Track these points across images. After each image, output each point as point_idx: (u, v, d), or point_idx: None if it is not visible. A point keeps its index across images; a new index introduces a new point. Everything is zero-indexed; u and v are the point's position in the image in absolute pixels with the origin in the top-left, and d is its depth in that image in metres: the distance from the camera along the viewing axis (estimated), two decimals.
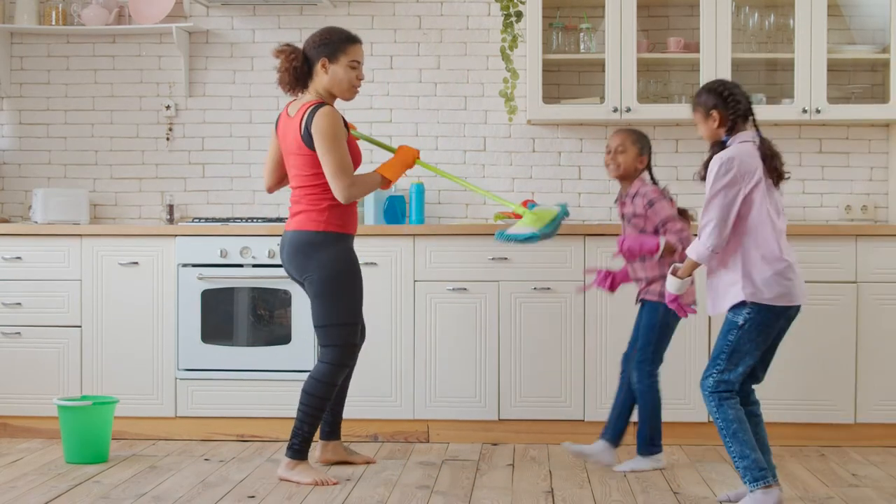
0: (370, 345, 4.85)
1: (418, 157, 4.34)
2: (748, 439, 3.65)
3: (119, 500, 3.89)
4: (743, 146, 3.70)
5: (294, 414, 4.27)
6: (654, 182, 4.46)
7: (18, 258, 5.11)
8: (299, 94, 4.27)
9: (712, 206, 3.64)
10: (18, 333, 5.11)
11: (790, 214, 5.49)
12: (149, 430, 5.09)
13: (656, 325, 4.35)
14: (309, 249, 4.15)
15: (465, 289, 4.99)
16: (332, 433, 4.51)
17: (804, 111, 5.19)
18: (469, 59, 5.61)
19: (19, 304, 5.10)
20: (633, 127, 4.67)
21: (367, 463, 4.54)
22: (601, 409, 4.93)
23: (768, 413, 4.87)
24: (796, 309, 3.74)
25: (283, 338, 5.00)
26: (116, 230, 5.10)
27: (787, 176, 3.79)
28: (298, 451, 4.18)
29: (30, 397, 5.09)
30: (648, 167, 4.46)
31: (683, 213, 4.40)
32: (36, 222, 5.36)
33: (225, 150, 5.70)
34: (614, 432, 4.45)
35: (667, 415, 4.95)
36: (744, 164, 3.65)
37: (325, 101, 4.20)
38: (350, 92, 4.23)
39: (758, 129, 3.78)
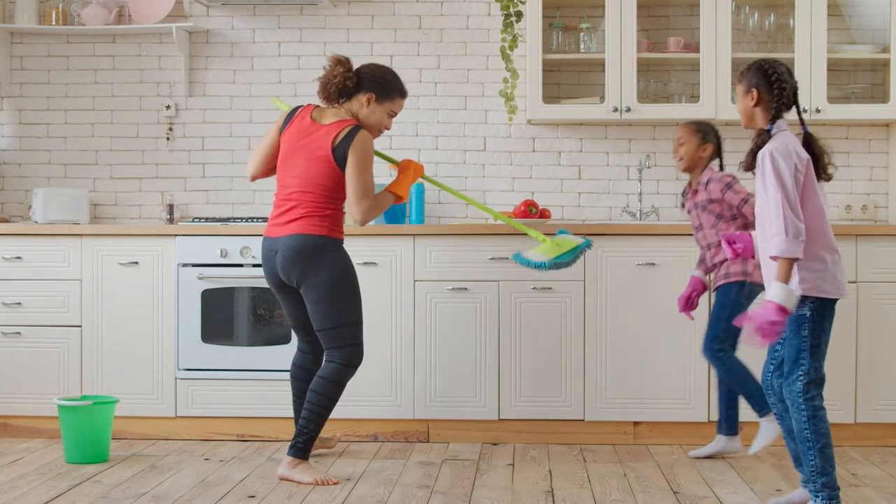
0: (370, 345, 4.85)
1: (423, 173, 4.44)
2: (832, 454, 3.60)
3: (119, 500, 3.89)
4: (786, 135, 3.57)
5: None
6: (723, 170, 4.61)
7: (18, 258, 5.11)
8: (329, 106, 4.33)
9: (780, 200, 3.45)
10: (18, 333, 5.11)
11: None
12: (149, 430, 5.09)
13: (728, 304, 4.44)
14: (315, 252, 4.18)
15: (465, 289, 4.99)
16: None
17: (804, 111, 5.18)
18: (469, 59, 5.61)
19: (19, 303, 5.11)
20: (698, 119, 4.78)
21: (333, 446, 4.76)
22: (601, 408, 4.93)
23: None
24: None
25: (283, 338, 5.00)
26: (116, 230, 5.10)
27: (827, 175, 3.65)
28: (302, 450, 4.20)
29: (30, 397, 5.09)
30: (718, 156, 4.62)
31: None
32: (36, 222, 5.36)
33: (225, 150, 5.70)
34: (727, 423, 4.57)
35: (667, 415, 4.95)
36: (797, 151, 3.54)
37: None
38: (376, 133, 4.34)
39: (803, 123, 3.66)
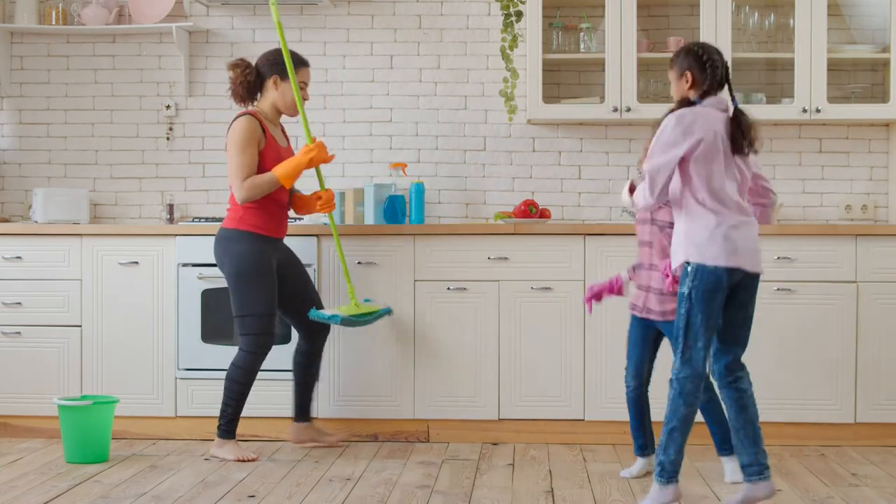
0: (370, 345, 4.85)
1: (316, 160, 4.51)
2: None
3: (119, 500, 3.89)
4: (704, 109, 3.68)
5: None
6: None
7: (18, 258, 5.11)
8: (250, 105, 4.65)
9: (652, 161, 3.63)
10: (19, 333, 5.11)
11: (790, 214, 5.49)
12: (149, 430, 5.09)
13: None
14: (222, 244, 4.56)
15: (464, 288, 4.99)
16: (302, 415, 4.81)
17: (804, 111, 5.19)
18: (469, 58, 5.61)
19: (19, 303, 5.10)
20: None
21: (335, 445, 4.82)
22: (601, 408, 4.93)
23: (768, 413, 4.88)
24: (742, 273, 3.66)
25: (283, 337, 5.00)
26: (116, 230, 5.10)
27: (748, 150, 3.71)
28: (226, 430, 4.59)
29: (30, 397, 5.09)
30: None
31: None
32: (36, 222, 5.36)
33: (225, 150, 5.69)
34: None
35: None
36: (694, 124, 3.62)
37: (265, 113, 4.58)
38: (293, 109, 4.59)
39: (733, 98, 3.75)
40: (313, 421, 4.88)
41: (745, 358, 3.72)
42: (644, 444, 4.35)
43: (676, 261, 3.74)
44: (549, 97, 5.40)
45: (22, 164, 5.76)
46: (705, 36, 5.18)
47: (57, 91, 5.74)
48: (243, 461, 4.54)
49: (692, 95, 3.76)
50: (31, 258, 5.11)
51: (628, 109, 5.22)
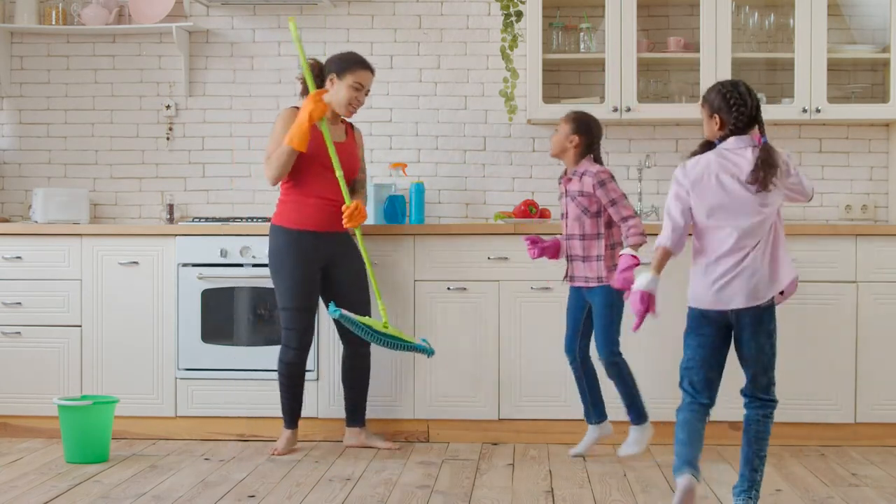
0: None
1: (314, 113, 4.43)
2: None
3: (119, 500, 3.89)
4: (716, 154, 3.67)
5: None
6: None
7: (18, 258, 5.11)
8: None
9: (668, 205, 3.72)
10: (18, 333, 5.11)
11: (790, 214, 5.49)
12: (149, 430, 5.09)
13: (615, 304, 4.53)
14: (269, 239, 4.70)
15: (464, 288, 4.99)
16: (351, 419, 4.84)
17: (804, 111, 5.19)
18: (469, 58, 5.61)
19: (19, 303, 5.10)
20: (583, 112, 4.69)
21: (391, 449, 4.77)
22: None
23: None
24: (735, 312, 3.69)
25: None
26: (116, 230, 5.10)
27: (754, 184, 3.66)
28: (285, 421, 4.75)
29: (30, 397, 5.09)
30: (591, 151, 4.59)
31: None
32: (36, 222, 5.36)
33: (225, 150, 5.70)
34: (596, 411, 4.74)
35: (667, 414, 4.95)
36: (689, 175, 3.66)
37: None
38: (345, 109, 4.62)
39: (763, 134, 3.72)
40: (366, 426, 4.85)
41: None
42: (587, 413, 4.71)
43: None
44: (549, 97, 5.40)
45: (22, 164, 5.76)
46: (705, 36, 5.18)
47: (57, 91, 5.74)
48: (271, 453, 4.71)
49: (718, 136, 3.72)
50: (31, 258, 5.11)
51: (628, 109, 5.22)
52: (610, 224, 4.55)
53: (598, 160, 4.61)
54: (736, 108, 3.67)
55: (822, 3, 5.16)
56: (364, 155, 4.91)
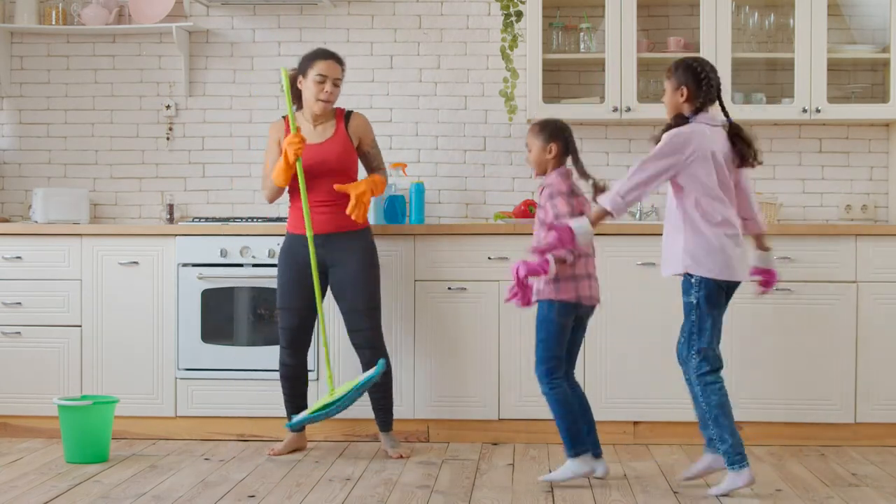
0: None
1: (291, 152, 4.48)
2: (730, 422, 3.90)
3: (119, 500, 3.89)
4: (699, 126, 3.88)
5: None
6: (582, 168, 4.20)
7: (18, 258, 5.11)
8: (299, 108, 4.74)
9: (645, 168, 3.84)
10: (18, 333, 5.11)
11: (790, 214, 5.49)
12: (149, 430, 5.09)
13: (542, 323, 4.16)
14: None
15: (464, 288, 4.99)
16: (378, 425, 4.79)
17: (804, 111, 5.19)
18: (469, 58, 5.61)
19: (19, 303, 5.10)
20: (544, 119, 4.33)
21: (397, 457, 4.68)
22: (601, 408, 4.92)
23: (768, 413, 4.89)
24: (736, 284, 3.96)
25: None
26: (116, 230, 5.10)
27: (752, 163, 3.98)
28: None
29: (30, 397, 5.09)
30: (568, 153, 4.21)
31: (602, 189, 4.09)
32: (36, 222, 5.36)
33: (225, 150, 5.70)
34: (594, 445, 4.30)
35: (667, 415, 4.95)
36: (693, 142, 3.85)
37: (305, 113, 4.68)
38: (315, 105, 4.62)
39: (725, 113, 3.96)
40: (389, 432, 4.76)
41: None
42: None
43: (673, 269, 3.98)
44: (549, 97, 5.40)
45: (22, 164, 5.76)
46: (705, 36, 5.18)
47: (57, 91, 5.74)
48: (269, 453, 4.72)
49: (686, 110, 3.93)
50: (31, 258, 5.11)
51: (628, 109, 5.22)
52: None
53: (577, 162, 4.20)
54: (705, 82, 3.89)
55: (822, 3, 5.16)
56: (372, 135, 4.79)
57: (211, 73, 5.69)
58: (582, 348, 4.92)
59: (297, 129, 4.50)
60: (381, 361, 4.46)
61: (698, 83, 3.90)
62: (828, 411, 4.93)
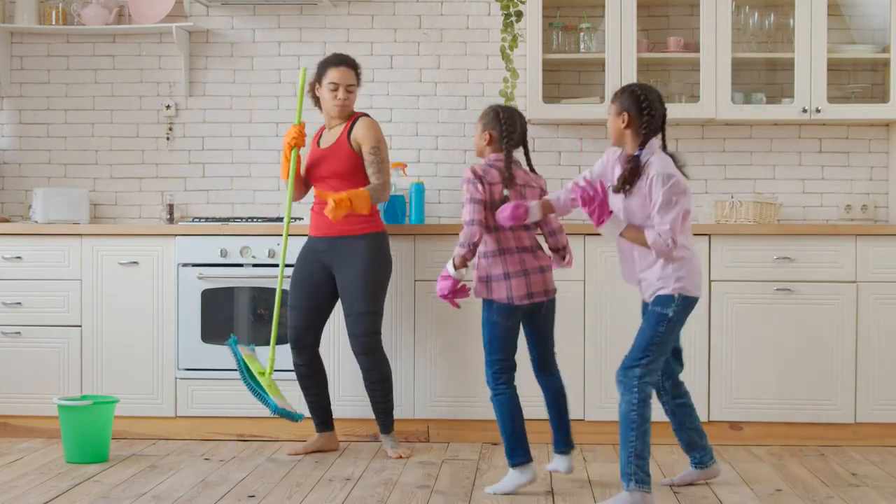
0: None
1: (290, 143, 4.63)
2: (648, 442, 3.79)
3: (119, 500, 3.89)
4: (662, 156, 3.83)
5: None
6: (528, 157, 4.18)
7: (18, 258, 5.11)
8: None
9: (672, 215, 3.75)
10: (18, 333, 5.11)
11: (790, 214, 5.50)
12: (149, 430, 5.09)
13: (484, 323, 4.10)
14: None
15: None
16: (379, 426, 4.78)
17: (804, 111, 5.19)
18: (469, 58, 5.61)
19: (19, 303, 5.11)
20: (492, 105, 4.22)
21: (394, 457, 4.69)
22: (601, 408, 4.93)
23: (768, 413, 4.89)
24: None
25: (283, 337, 4.99)
26: (116, 230, 5.10)
27: (623, 192, 3.90)
28: (316, 424, 4.82)
29: (30, 397, 5.10)
30: (511, 141, 4.06)
31: (504, 200, 4.03)
32: (36, 222, 5.36)
33: (225, 150, 5.70)
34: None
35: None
36: (680, 176, 3.84)
37: (326, 120, 4.78)
38: (333, 110, 4.69)
39: (665, 147, 3.90)
40: (390, 433, 4.75)
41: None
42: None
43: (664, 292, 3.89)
44: (549, 97, 5.40)
45: (22, 164, 5.76)
46: (705, 36, 5.19)
47: (57, 91, 5.74)
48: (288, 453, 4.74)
49: (628, 137, 3.87)
50: (31, 258, 5.11)
51: None
52: (491, 229, 4.07)
53: (526, 152, 4.15)
54: (647, 112, 3.84)
55: (822, 3, 5.16)
56: (373, 141, 4.64)
57: (211, 73, 5.69)
58: (582, 347, 4.94)
59: (302, 123, 4.65)
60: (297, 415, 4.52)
61: (640, 111, 3.82)
62: (828, 411, 4.93)
